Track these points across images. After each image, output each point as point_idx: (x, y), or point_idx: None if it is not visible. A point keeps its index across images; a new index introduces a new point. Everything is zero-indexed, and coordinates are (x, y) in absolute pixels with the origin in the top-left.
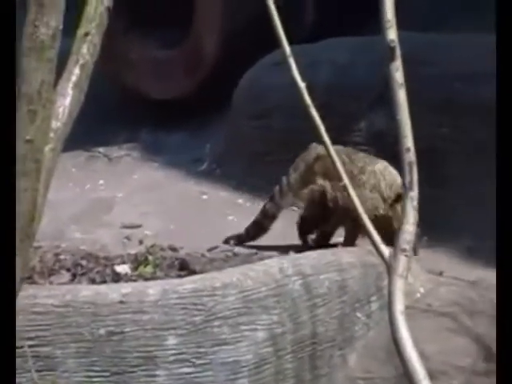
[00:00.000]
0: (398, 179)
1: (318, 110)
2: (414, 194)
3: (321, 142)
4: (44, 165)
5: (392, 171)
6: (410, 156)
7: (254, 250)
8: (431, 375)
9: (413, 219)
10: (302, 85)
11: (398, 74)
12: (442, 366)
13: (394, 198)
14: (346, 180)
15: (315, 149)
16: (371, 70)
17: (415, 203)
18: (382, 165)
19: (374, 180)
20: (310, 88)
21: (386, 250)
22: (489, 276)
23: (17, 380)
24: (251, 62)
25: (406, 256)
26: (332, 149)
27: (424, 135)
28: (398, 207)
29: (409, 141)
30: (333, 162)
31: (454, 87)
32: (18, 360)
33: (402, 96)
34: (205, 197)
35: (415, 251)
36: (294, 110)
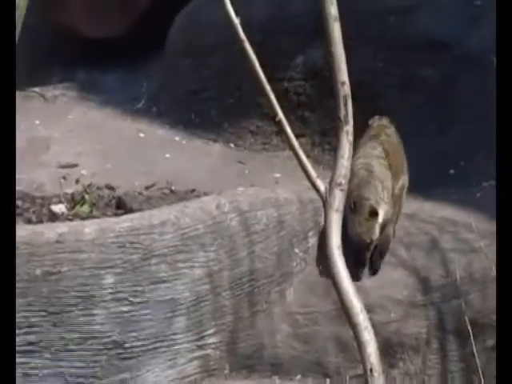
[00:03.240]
0: None
1: (254, 46)
2: (350, 128)
3: (255, 78)
4: None
5: None
6: (345, 89)
7: (191, 188)
8: (369, 309)
9: (348, 153)
10: (236, 21)
11: (332, 8)
12: (379, 299)
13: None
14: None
15: None
16: (307, 4)
17: (351, 137)
18: None
19: None
20: (245, 25)
21: (321, 185)
22: (426, 208)
23: None
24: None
25: (341, 191)
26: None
27: (359, 69)
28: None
29: (343, 74)
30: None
31: (389, 21)
32: None
33: (336, 29)
34: (142, 135)
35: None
36: (229, 47)
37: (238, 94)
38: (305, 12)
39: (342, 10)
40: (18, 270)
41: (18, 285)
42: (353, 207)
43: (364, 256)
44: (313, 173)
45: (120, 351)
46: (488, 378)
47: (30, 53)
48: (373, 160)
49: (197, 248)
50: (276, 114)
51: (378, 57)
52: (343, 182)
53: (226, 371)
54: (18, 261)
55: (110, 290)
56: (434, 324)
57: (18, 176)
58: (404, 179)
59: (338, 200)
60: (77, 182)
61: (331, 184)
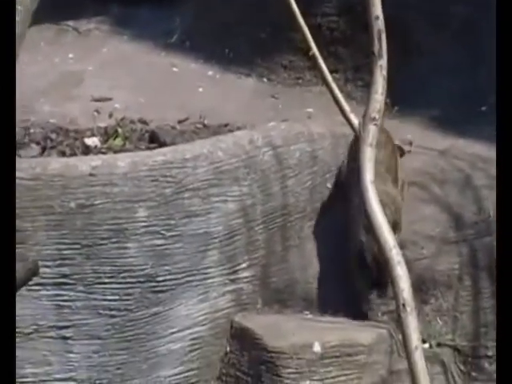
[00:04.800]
0: None
1: None
2: (384, 62)
3: (289, 13)
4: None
5: None
6: (379, 24)
7: (224, 122)
8: (401, 244)
9: (382, 89)
10: None
11: None
12: (412, 235)
13: None
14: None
15: None
16: None
17: (384, 72)
18: None
19: None
20: None
21: (355, 120)
22: (459, 145)
23: None
24: None
25: (375, 125)
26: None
27: (393, 3)
28: None
29: (377, 9)
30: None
31: None
32: None
33: None
34: (175, 69)
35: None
36: None
37: (270, 29)
38: None
39: None
40: (51, 203)
41: (52, 217)
42: None
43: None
44: (347, 107)
45: (153, 284)
46: None
47: None
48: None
49: (230, 182)
50: (310, 49)
51: None
52: (377, 116)
53: (259, 305)
54: (52, 193)
55: (142, 224)
56: (467, 261)
57: (51, 109)
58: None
59: (372, 135)
60: (110, 115)
61: (365, 119)
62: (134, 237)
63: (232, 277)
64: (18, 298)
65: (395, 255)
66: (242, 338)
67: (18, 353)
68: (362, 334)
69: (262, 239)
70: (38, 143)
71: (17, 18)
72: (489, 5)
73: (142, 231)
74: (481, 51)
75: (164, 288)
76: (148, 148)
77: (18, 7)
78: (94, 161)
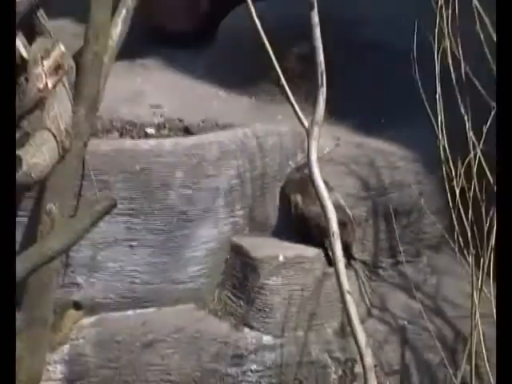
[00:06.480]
0: None
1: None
2: (324, 89)
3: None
4: (103, 69)
5: None
6: (322, 66)
7: (228, 123)
8: (331, 197)
9: (322, 105)
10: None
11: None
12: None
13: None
14: None
15: None
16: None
17: (324, 95)
18: None
19: None
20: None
21: (306, 123)
22: (367, 141)
23: None
24: None
25: (318, 127)
26: None
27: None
28: None
29: (320, 57)
30: None
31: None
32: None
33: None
34: (199, 91)
35: (351, 255)
36: None
37: (256, 68)
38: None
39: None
40: (125, 166)
41: (125, 175)
42: None
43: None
44: (301, 115)
45: (184, 217)
46: None
47: (133, 38)
48: None
49: (230, 158)
50: (280, 80)
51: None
52: (319, 121)
53: (246, 232)
54: (125, 160)
55: (179, 181)
56: (371, 209)
57: (127, 111)
58: None
59: (316, 132)
60: (161, 115)
61: (312, 123)
62: (174, 188)
63: (231, 214)
64: (104, 221)
65: (327, 201)
66: (236, 250)
67: (107, 253)
68: (308, 251)
69: (250, 193)
70: (118, 130)
71: (105, 59)
72: (399, 30)
73: (178, 185)
74: (382, 74)
75: (190, 219)
76: (183, 136)
77: (105, 58)
78: (151, 142)
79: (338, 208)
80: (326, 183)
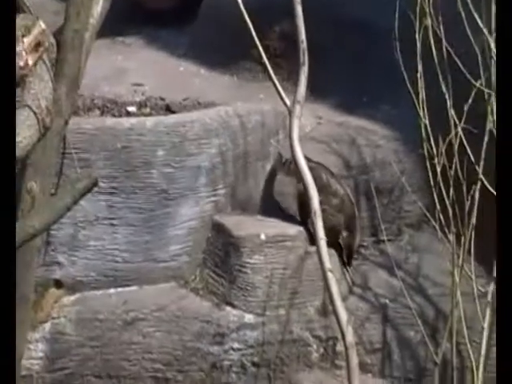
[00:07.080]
0: None
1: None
2: (305, 68)
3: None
4: (84, 47)
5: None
6: (304, 45)
7: (211, 101)
8: (313, 175)
9: (304, 84)
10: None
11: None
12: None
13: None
14: None
15: None
16: None
17: (306, 74)
18: None
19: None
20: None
21: (288, 102)
22: (349, 119)
23: None
24: None
25: (300, 105)
26: None
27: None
28: None
29: (302, 35)
30: None
31: None
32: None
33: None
34: (181, 69)
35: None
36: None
37: (239, 47)
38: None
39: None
40: (106, 144)
41: (106, 153)
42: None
43: None
44: (283, 94)
45: (165, 195)
46: None
47: (115, 16)
48: None
49: (213, 136)
50: (262, 59)
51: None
52: (301, 100)
53: (228, 210)
54: (106, 138)
55: (160, 159)
56: (352, 187)
57: (108, 89)
58: None
59: (298, 111)
60: (142, 94)
61: (294, 101)
62: (155, 166)
63: (213, 193)
64: (85, 200)
65: (309, 178)
66: (218, 229)
67: (88, 231)
68: (289, 229)
69: (232, 171)
70: (99, 108)
71: (86, 36)
72: (382, 9)
73: (160, 163)
74: (365, 53)
75: (173, 197)
76: (164, 114)
77: (86, 36)
78: (132, 120)
79: (349, 202)
80: (332, 174)
